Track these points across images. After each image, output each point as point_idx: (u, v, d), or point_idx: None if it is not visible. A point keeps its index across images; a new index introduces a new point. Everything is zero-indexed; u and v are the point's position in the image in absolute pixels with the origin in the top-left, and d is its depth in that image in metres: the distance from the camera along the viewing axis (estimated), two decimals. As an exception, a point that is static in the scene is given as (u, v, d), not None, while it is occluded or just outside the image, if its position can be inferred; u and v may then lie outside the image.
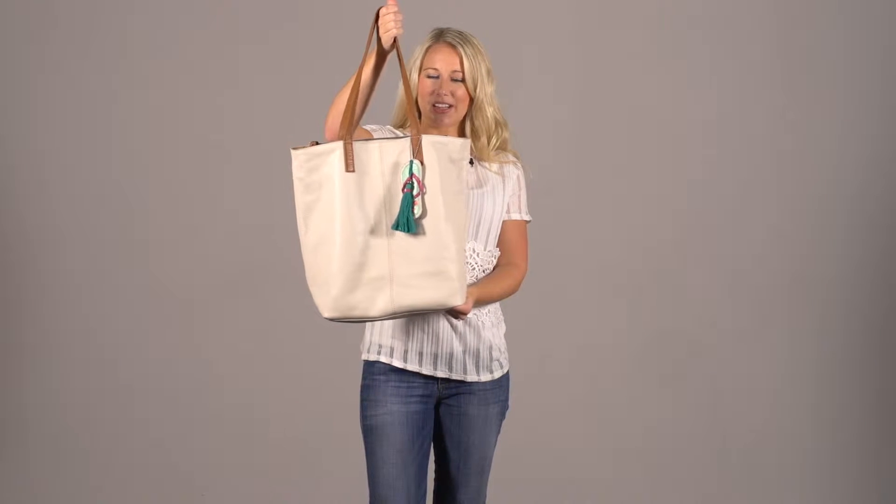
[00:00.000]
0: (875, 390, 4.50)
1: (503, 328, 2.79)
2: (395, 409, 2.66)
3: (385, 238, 2.42)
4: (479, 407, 2.74)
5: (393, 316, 2.45)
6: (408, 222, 2.39)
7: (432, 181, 2.42)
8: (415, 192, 2.40)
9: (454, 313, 2.54)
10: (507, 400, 2.81)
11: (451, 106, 2.64)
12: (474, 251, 2.67)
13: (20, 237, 4.41)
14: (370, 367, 2.71)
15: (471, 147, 2.64)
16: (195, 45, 4.38)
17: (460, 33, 2.68)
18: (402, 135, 2.67)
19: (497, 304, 2.77)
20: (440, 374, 2.68)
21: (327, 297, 2.42)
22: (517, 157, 2.78)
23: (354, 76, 2.43)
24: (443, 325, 2.66)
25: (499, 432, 2.82)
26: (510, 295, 2.73)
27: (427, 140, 2.44)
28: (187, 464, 4.36)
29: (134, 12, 4.38)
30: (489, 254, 2.70)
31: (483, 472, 2.80)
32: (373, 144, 2.43)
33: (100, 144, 4.40)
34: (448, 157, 2.45)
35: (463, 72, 2.64)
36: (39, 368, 4.43)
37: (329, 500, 4.27)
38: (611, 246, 4.44)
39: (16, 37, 4.37)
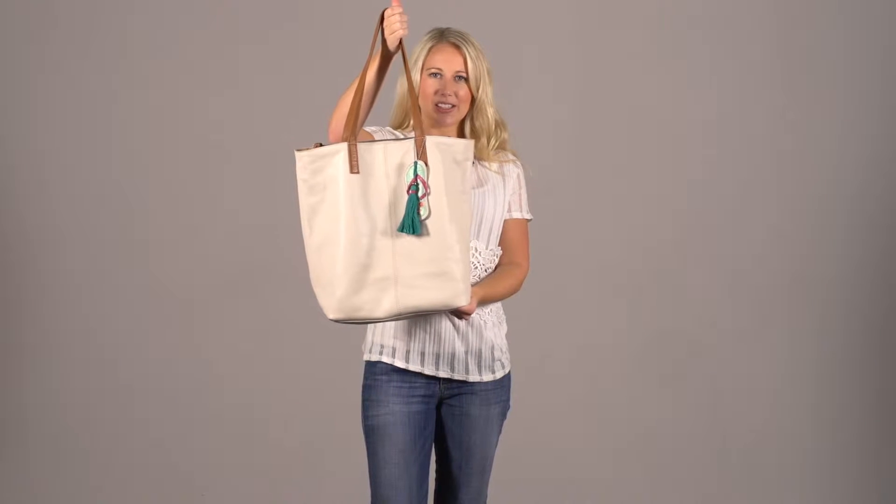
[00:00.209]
0: (875, 390, 4.50)
1: (505, 328, 2.80)
2: (396, 410, 2.66)
3: (390, 239, 2.42)
4: (481, 407, 2.74)
5: (398, 317, 2.45)
6: (413, 224, 2.40)
7: (436, 182, 2.42)
8: (420, 194, 2.41)
9: (458, 313, 2.55)
10: (508, 400, 2.81)
11: (453, 106, 2.65)
12: (476, 250, 2.67)
13: (20, 237, 4.41)
14: (372, 367, 2.71)
15: (471, 147, 2.64)
16: (195, 45, 4.38)
17: (461, 33, 2.69)
18: (402, 136, 2.68)
19: (499, 304, 2.78)
20: (442, 374, 2.68)
21: (332, 299, 2.42)
22: (516, 156, 2.79)
23: (358, 78, 2.43)
24: (445, 325, 2.66)
25: (500, 432, 2.82)
26: (512, 294, 2.74)
27: (431, 141, 2.44)
28: (187, 464, 4.36)
29: (134, 12, 4.38)
30: (491, 253, 2.71)
31: (484, 472, 2.80)
32: (377, 146, 2.43)
33: (100, 144, 4.40)
34: (452, 158, 2.45)
35: (466, 71, 2.65)
36: (39, 368, 4.42)
37: (330, 501, 4.27)
38: (611, 246, 4.44)
39: (16, 37, 4.37)
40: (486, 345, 2.71)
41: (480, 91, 2.67)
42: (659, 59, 4.44)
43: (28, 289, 4.43)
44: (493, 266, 2.71)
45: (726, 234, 4.46)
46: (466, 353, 2.69)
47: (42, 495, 4.31)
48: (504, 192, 2.73)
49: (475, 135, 2.71)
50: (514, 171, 2.77)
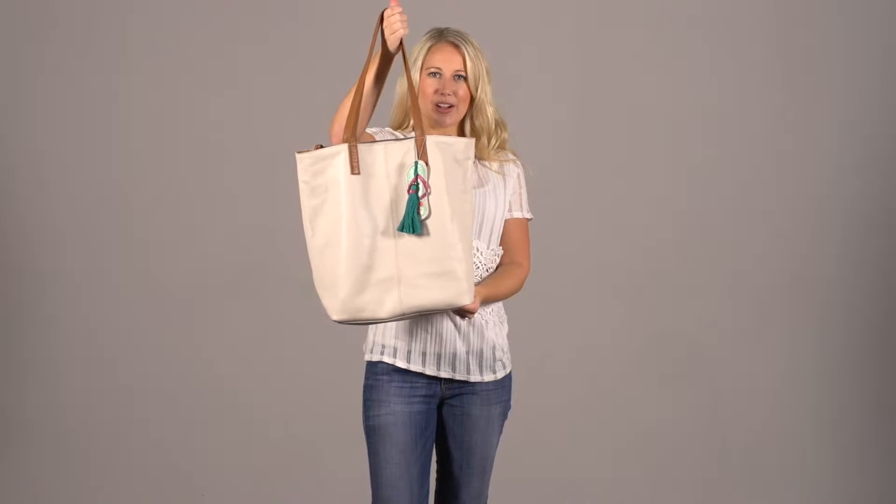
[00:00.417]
0: (875, 390, 4.51)
1: (506, 328, 2.80)
2: (398, 410, 2.66)
3: (392, 239, 2.42)
4: (482, 407, 2.74)
5: (402, 317, 2.45)
6: (413, 223, 2.40)
7: (437, 182, 2.42)
8: (420, 194, 2.41)
9: (461, 313, 2.54)
10: (509, 400, 2.81)
11: (452, 106, 2.65)
12: (477, 250, 2.67)
13: (20, 237, 4.41)
14: (373, 367, 2.71)
15: (472, 146, 2.64)
16: (195, 45, 4.38)
17: (460, 33, 2.69)
18: (402, 137, 2.68)
19: (500, 304, 2.78)
20: (443, 374, 2.68)
21: (335, 300, 2.42)
22: (516, 156, 2.79)
23: (359, 80, 2.43)
24: (446, 325, 2.66)
25: (501, 432, 2.82)
26: (514, 293, 2.74)
27: (431, 141, 2.44)
28: (187, 464, 4.36)
29: (134, 12, 4.38)
30: (492, 252, 2.71)
31: (485, 472, 2.80)
32: (378, 146, 2.43)
33: (100, 144, 4.40)
34: (453, 157, 2.45)
35: (465, 71, 2.65)
36: (39, 368, 4.42)
37: (330, 501, 4.27)
38: (610, 246, 4.44)
39: (16, 37, 4.37)
40: (487, 345, 2.71)
41: (480, 90, 2.67)
42: (659, 59, 4.44)
43: (28, 289, 4.43)
44: (494, 266, 2.72)
45: (726, 234, 4.46)
46: (468, 353, 2.69)
47: (43, 495, 4.31)
48: (505, 192, 2.74)
49: (475, 134, 2.71)
50: (514, 171, 2.77)
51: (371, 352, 2.72)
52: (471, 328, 2.68)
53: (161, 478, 4.35)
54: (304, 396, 4.37)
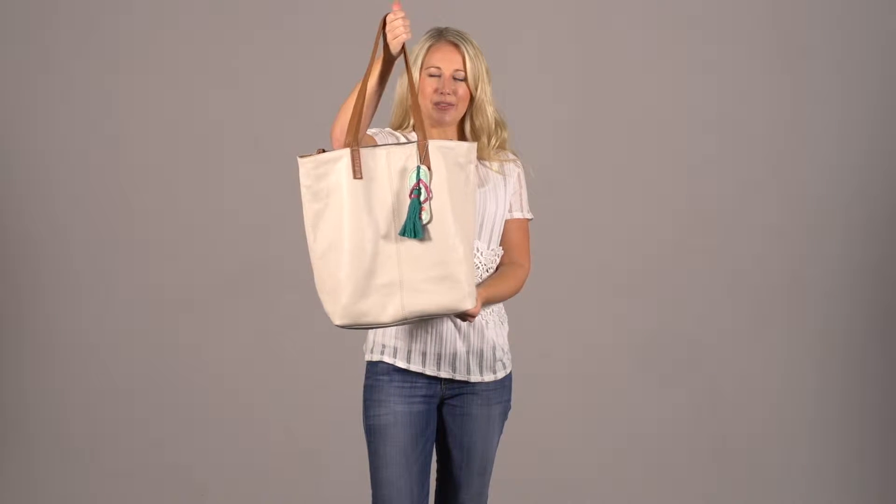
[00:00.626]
0: (875, 390, 4.51)
1: (506, 328, 2.80)
2: (398, 410, 2.66)
3: (394, 244, 2.42)
4: (482, 407, 2.74)
5: (404, 321, 2.45)
6: (415, 228, 2.40)
7: (439, 186, 2.42)
8: (422, 198, 2.41)
9: (463, 316, 2.54)
10: (509, 400, 2.81)
11: (452, 105, 2.65)
12: (478, 250, 2.67)
13: (21, 237, 4.41)
14: (373, 367, 2.71)
15: (471, 147, 2.64)
16: (195, 45, 4.38)
17: (460, 33, 2.69)
18: (402, 137, 2.68)
19: (501, 304, 2.78)
20: (443, 374, 2.68)
21: (337, 305, 2.42)
22: (516, 156, 2.79)
23: (360, 84, 2.43)
24: (446, 325, 2.66)
25: (501, 432, 2.82)
26: (515, 294, 2.74)
27: (434, 145, 2.44)
28: (187, 464, 4.36)
29: (134, 12, 4.38)
30: (493, 252, 2.71)
31: (485, 472, 2.80)
32: (380, 151, 2.43)
33: (100, 144, 4.40)
34: (455, 161, 2.45)
35: (465, 70, 2.65)
36: (39, 368, 4.42)
37: (330, 501, 4.27)
38: (610, 246, 4.44)
39: (16, 37, 4.37)
40: (487, 345, 2.71)
41: (479, 90, 2.67)
42: (659, 58, 4.44)
43: (28, 289, 4.43)
44: (494, 266, 2.72)
45: (726, 234, 4.46)
46: (468, 353, 2.69)
47: (43, 495, 4.31)
48: (505, 192, 2.74)
49: (475, 134, 2.71)
50: (514, 171, 2.77)
51: (371, 352, 2.72)
52: (471, 328, 2.68)
53: (161, 478, 4.35)
54: (304, 396, 4.37)
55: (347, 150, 2.41)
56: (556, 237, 4.11)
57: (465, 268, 2.43)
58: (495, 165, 2.74)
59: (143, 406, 4.40)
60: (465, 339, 2.69)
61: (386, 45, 2.40)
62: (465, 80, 2.66)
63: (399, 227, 2.41)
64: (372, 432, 2.69)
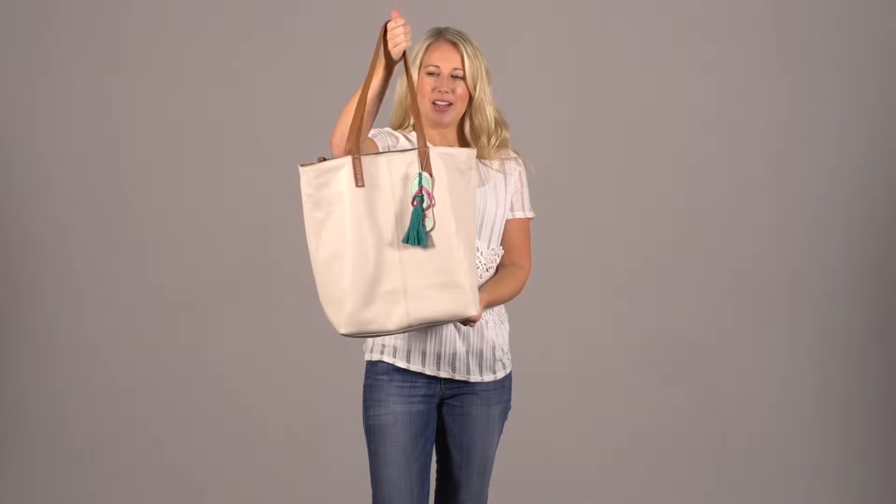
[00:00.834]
0: (875, 390, 4.51)
1: (507, 328, 2.79)
2: (398, 409, 2.66)
3: (397, 251, 2.41)
4: (482, 407, 2.74)
5: (408, 329, 2.44)
6: (418, 235, 2.39)
7: (441, 193, 2.42)
8: (425, 205, 2.40)
9: (465, 321, 2.53)
10: (509, 400, 2.81)
11: (450, 104, 2.64)
12: (478, 250, 2.67)
13: (20, 237, 4.41)
14: (373, 366, 2.71)
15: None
16: (195, 45, 4.38)
17: (459, 32, 2.69)
18: (403, 137, 2.68)
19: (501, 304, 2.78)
20: (443, 374, 2.68)
21: (342, 314, 2.41)
22: (518, 154, 2.78)
23: (360, 90, 2.42)
24: (446, 325, 2.66)
25: (501, 432, 2.82)
26: (515, 296, 2.73)
27: (435, 152, 2.44)
28: (187, 464, 4.36)
29: (134, 12, 4.38)
30: (493, 252, 2.70)
31: (485, 472, 2.80)
32: (381, 158, 2.42)
33: (100, 144, 4.40)
34: (456, 167, 2.45)
35: (463, 69, 2.64)
36: (39, 368, 4.42)
37: (330, 500, 4.27)
38: (611, 246, 4.44)
39: (16, 37, 4.37)
40: (487, 345, 2.71)
41: (478, 89, 2.67)
42: (659, 59, 4.44)
43: (28, 289, 4.43)
44: (494, 266, 2.71)
45: (726, 234, 4.46)
46: (468, 353, 2.69)
47: (42, 495, 4.31)
48: (506, 191, 2.73)
49: (475, 133, 2.71)
50: (515, 170, 2.76)
51: (371, 351, 2.72)
52: (471, 328, 2.68)
53: (161, 478, 4.35)
54: (303, 396, 4.37)
55: (349, 159, 2.40)
56: (556, 237, 4.10)
57: (469, 274, 2.43)
58: (496, 164, 2.73)
59: (143, 406, 4.40)
60: (465, 338, 2.68)
61: (386, 53, 2.39)
62: (463, 78, 2.65)
63: (402, 235, 2.40)
64: (372, 432, 2.69)
